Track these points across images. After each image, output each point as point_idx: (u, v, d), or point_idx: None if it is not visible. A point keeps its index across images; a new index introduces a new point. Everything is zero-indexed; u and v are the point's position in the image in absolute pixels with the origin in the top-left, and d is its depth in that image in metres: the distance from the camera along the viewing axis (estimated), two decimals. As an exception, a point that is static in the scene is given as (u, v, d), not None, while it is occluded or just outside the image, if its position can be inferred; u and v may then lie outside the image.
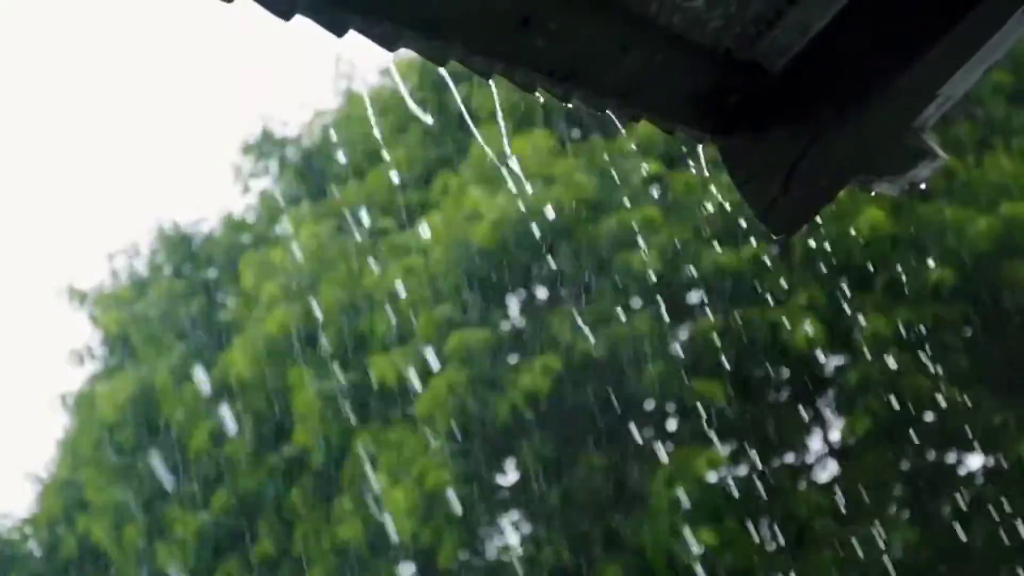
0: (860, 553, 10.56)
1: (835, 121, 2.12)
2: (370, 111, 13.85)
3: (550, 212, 11.10)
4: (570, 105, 1.98)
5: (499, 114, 10.85)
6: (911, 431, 11.06)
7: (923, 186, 2.42)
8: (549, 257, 11.09)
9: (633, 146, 11.00)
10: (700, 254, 10.89)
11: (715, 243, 10.77)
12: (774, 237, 2.22)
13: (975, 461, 11.64)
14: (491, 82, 1.89)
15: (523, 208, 11.13)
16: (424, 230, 11.65)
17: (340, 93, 14.37)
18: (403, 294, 11.47)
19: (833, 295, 10.82)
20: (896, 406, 10.69)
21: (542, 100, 2.02)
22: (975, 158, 11.39)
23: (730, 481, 11.34)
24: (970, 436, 11.10)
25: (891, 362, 10.65)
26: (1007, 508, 10.56)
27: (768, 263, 10.92)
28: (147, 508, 13.37)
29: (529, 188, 11.28)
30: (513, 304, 11.98)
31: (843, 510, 11.03)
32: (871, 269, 10.87)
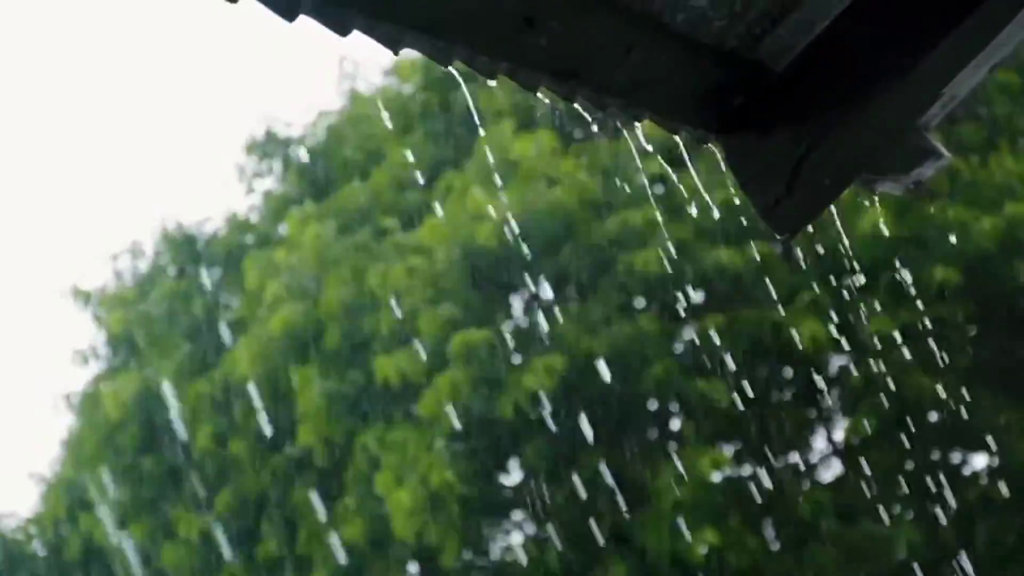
0: (864, 552, 10.56)
1: (839, 120, 2.12)
2: (374, 111, 13.85)
3: (553, 212, 11.09)
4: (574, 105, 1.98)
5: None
6: (915, 431, 11.06)
7: (926, 186, 2.42)
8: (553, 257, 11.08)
9: (638, 145, 10.98)
10: (703, 254, 10.89)
11: (719, 243, 10.78)
12: (777, 237, 2.22)
13: (979, 460, 11.63)
14: (495, 82, 1.89)
15: (527, 208, 11.13)
16: (427, 230, 11.66)
17: (344, 93, 14.38)
18: (406, 294, 11.47)
19: (837, 295, 10.81)
20: (900, 406, 10.69)
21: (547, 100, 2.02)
22: (980, 158, 11.38)
23: (734, 481, 11.35)
24: (974, 436, 11.09)
25: (895, 362, 10.65)
26: (1011, 507, 10.56)
27: (771, 263, 10.92)
28: (151, 508, 13.38)
29: (533, 188, 11.29)
30: (517, 304, 11.98)
31: (847, 509, 11.02)
32: (875, 269, 10.87)
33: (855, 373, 11.14)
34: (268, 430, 12.51)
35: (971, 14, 2.06)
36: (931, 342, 10.61)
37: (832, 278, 10.91)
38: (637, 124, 2.10)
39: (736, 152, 2.16)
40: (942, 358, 10.76)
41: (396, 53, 1.75)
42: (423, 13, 1.72)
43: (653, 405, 11.57)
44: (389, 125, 13.38)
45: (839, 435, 11.78)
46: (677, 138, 2.18)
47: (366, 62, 14.53)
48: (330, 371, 11.99)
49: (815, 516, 11.06)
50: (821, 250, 10.67)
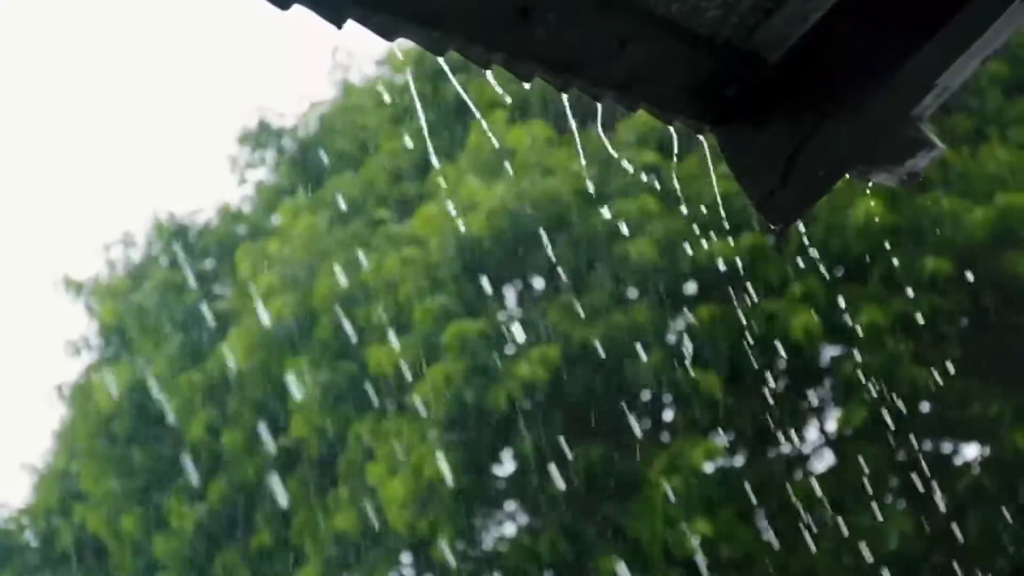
0: (856, 543, 10.57)
1: (833, 111, 2.12)
2: (367, 102, 13.83)
3: (547, 202, 11.09)
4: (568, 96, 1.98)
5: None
6: (907, 421, 11.07)
7: (920, 177, 2.42)
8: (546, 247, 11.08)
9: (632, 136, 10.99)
10: (696, 244, 10.89)
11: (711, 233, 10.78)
12: (772, 227, 2.22)
13: (971, 451, 11.66)
14: (489, 73, 1.89)
15: (520, 198, 11.13)
16: (421, 220, 11.65)
17: (337, 83, 14.37)
18: (399, 285, 11.46)
19: (830, 285, 10.82)
20: (892, 396, 10.70)
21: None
22: (972, 149, 11.39)
23: (727, 471, 11.36)
24: (966, 426, 11.11)
25: (887, 352, 10.67)
26: (1003, 498, 10.58)
27: (764, 253, 10.92)
28: (144, 499, 13.37)
29: (526, 178, 11.28)
30: (510, 294, 11.98)
31: (839, 500, 11.04)
32: (867, 259, 10.88)
33: (847, 364, 11.15)
34: (260, 421, 12.51)
35: (964, 6, 2.07)
36: (923, 332, 10.63)
37: (824, 268, 10.93)
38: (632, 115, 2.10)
39: (730, 143, 2.16)
40: (934, 348, 10.78)
41: (391, 42, 1.75)
42: (418, 3, 1.72)
43: (646, 395, 11.57)
44: (389, 103, 13.34)
45: (831, 426, 11.79)
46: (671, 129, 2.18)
47: (359, 52, 14.53)
48: (323, 362, 11.99)
49: (808, 506, 11.07)
50: (814, 240, 10.70)
